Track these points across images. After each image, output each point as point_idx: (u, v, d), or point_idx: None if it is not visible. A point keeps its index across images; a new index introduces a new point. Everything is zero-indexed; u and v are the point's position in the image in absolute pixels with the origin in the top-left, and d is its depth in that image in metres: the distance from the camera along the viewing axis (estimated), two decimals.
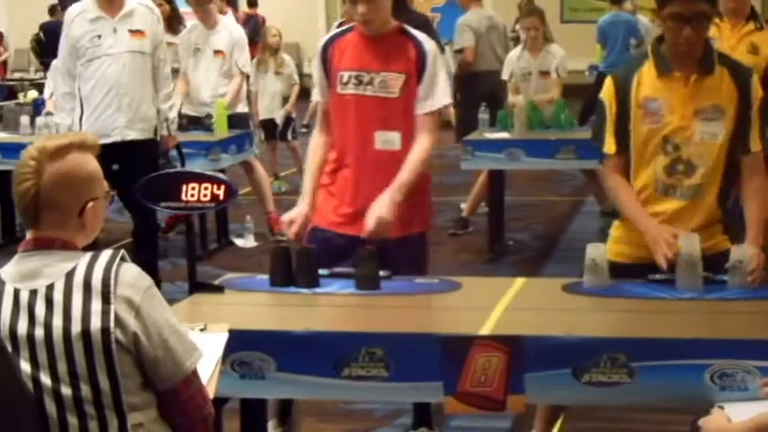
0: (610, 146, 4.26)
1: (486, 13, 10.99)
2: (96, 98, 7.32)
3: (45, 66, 19.25)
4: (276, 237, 8.65)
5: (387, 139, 4.68)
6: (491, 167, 8.99)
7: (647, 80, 4.19)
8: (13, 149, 9.22)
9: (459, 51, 10.97)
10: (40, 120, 9.75)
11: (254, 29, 17.61)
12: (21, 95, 16.86)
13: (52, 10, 21.49)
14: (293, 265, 4.18)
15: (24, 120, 9.88)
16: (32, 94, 15.83)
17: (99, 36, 7.29)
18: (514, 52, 9.86)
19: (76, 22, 7.35)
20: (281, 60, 11.68)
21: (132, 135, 7.38)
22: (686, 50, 4.11)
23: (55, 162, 2.84)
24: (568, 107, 9.47)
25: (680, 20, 4.05)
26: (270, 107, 11.68)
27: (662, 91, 4.16)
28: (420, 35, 4.75)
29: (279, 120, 11.68)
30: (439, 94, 4.70)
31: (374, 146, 4.69)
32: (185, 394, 2.92)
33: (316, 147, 4.84)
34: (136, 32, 7.35)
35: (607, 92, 4.27)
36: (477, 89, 10.57)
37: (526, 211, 10.66)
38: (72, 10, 7.50)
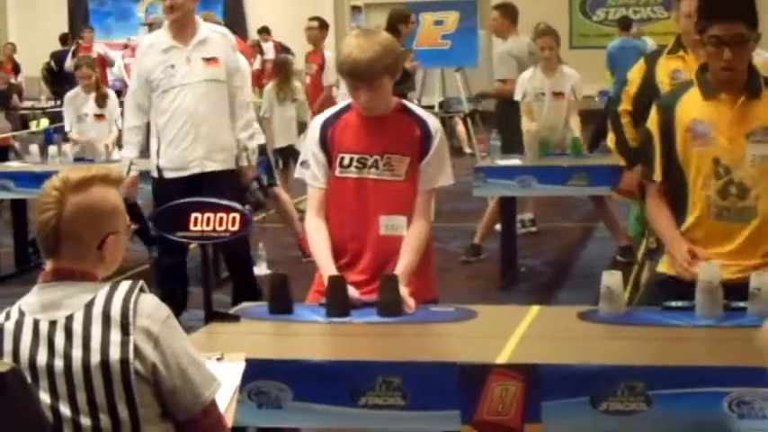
0: (657, 174, 4.29)
1: (525, 41, 10.88)
2: (173, 130, 7.17)
3: (56, 95, 19.35)
4: (309, 259, 8.72)
5: (392, 224, 4.44)
6: (503, 194, 8.99)
7: (692, 104, 4.21)
8: (25, 178, 9.27)
9: (503, 81, 10.77)
10: (52, 149, 9.80)
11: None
12: (33, 124, 16.93)
13: (63, 39, 21.60)
14: (326, 296, 4.15)
15: (34, 148, 9.92)
16: (44, 122, 15.91)
17: (172, 66, 7.12)
18: (527, 72, 9.79)
19: (149, 53, 7.19)
20: (296, 87, 11.68)
21: (212, 166, 7.20)
22: (728, 74, 4.13)
23: (78, 194, 2.86)
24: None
25: (719, 44, 4.08)
26: (287, 134, 11.68)
27: (709, 113, 4.18)
28: (422, 113, 4.54)
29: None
30: (446, 173, 4.50)
31: (378, 231, 4.45)
32: (204, 424, 2.92)
33: (318, 228, 4.49)
34: (210, 60, 7.18)
35: (652, 120, 4.30)
36: (519, 114, 10.41)
37: (538, 237, 10.65)
38: (143, 42, 7.42)
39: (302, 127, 11.49)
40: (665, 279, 4.28)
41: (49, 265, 2.93)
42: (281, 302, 4.22)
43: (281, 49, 19.29)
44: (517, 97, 9.72)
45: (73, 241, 2.87)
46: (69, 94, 10.30)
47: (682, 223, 4.27)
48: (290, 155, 11.71)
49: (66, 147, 9.78)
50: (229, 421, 3.18)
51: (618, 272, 4.14)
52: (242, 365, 3.52)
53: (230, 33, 7.56)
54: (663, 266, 4.34)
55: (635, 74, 6.15)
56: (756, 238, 4.19)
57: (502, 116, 10.50)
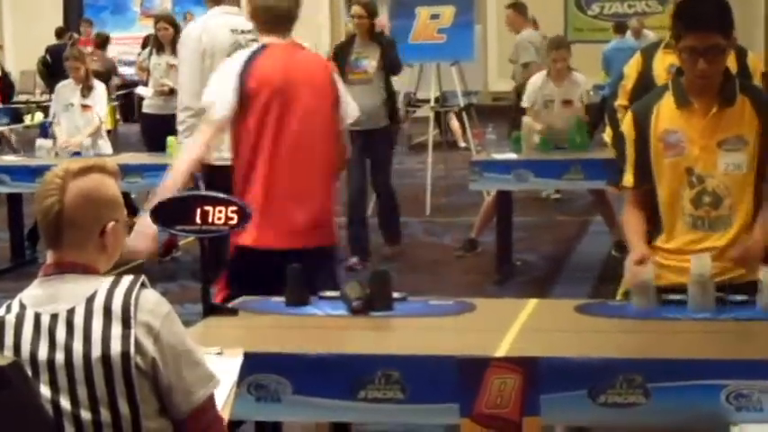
0: (628, 180, 4.27)
1: (539, 33, 12.30)
2: None
3: (51, 89, 19.32)
4: None
5: None
6: (499, 188, 9.00)
7: (666, 113, 4.19)
8: (21, 172, 9.28)
9: (526, 65, 12.30)
10: (46, 142, 9.80)
11: None
12: (27, 118, 16.91)
13: (59, 33, 21.56)
14: (370, 289, 4.16)
15: (42, 142, 9.91)
16: (39, 116, 15.89)
17: None
18: (537, 79, 9.79)
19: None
20: None
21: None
22: (702, 83, 4.11)
23: (78, 180, 2.89)
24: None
25: (694, 53, 4.05)
26: None
27: (681, 123, 4.16)
28: None
29: None
30: None
31: None
32: (200, 423, 2.92)
33: None
34: None
35: (627, 126, 4.28)
36: None
37: (534, 231, 10.67)
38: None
39: None
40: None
41: (50, 258, 2.94)
42: (298, 295, 4.23)
43: None
44: (525, 104, 9.73)
45: (75, 228, 2.88)
46: (60, 84, 10.31)
47: (657, 232, 4.25)
48: None
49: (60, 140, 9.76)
50: (225, 416, 3.19)
51: (651, 265, 4.09)
52: (239, 360, 3.53)
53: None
54: None
55: (631, 68, 6.14)
56: (731, 247, 4.16)
57: (518, 107, 10.62)
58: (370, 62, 9.29)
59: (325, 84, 5.00)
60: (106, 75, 15.94)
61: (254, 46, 5.12)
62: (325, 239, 4.96)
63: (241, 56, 5.00)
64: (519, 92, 11.14)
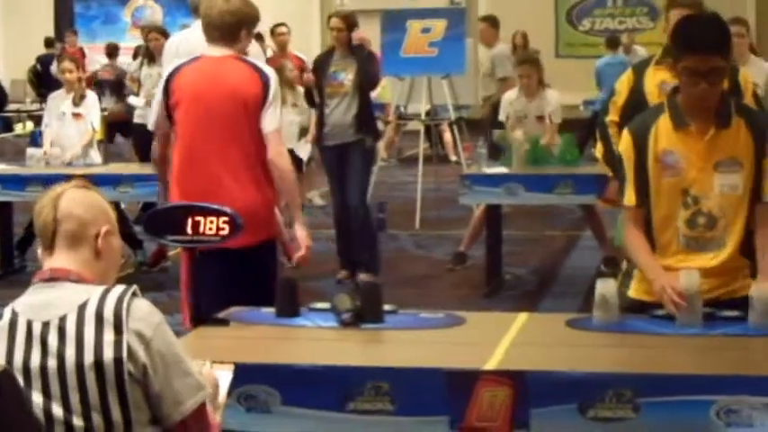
0: (630, 198, 4.26)
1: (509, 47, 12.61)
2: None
3: (42, 98, 19.31)
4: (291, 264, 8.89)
5: None
6: (489, 202, 9.00)
7: (663, 133, 4.18)
8: (12, 181, 9.25)
9: (503, 80, 12.46)
10: (37, 151, 9.76)
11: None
12: (18, 127, 16.90)
13: (48, 42, 21.56)
14: (360, 301, 4.17)
15: (32, 152, 9.87)
16: (29, 125, 15.88)
17: None
18: (511, 94, 9.85)
19: None
20: (298, 93, 11.46)
21: None
22: (701, 105, 4.11)
23: (74, 190, 3.00)
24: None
25: (694, 75, 4.04)
26: (287, 139, 11.55)
27: (678, 144, 4.15)
28: None
29: (302, 153, 11.32)
30: None
31: None
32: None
33: None
34: None
35: (625, 145, 4.27)
36: None
37: (523, 245, 10.68)
38: None
39: (303, 132, 11.32)
40: (635, 304, 4.23)
41: (45, 265, 2.96)
42: (289, 306, 4.23)
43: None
44: (502, 117, 9.79)
45: (69, 232, 2.94)
46: (51, 95, 10.29)
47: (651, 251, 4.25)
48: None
49: (54, 150, 9.72)
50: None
51: (612, 280, 4.14)
52: (230, 375, 3.52)
53: None
54: (632, 291, 4.29)
55: (623, 84, 6.15)
56: (725, 268, 4.16)
57: (493, 121, 10.64)
58: (347, 75, 9.06)
59: (247, 95, 5.23)
60: (117, 83, 15.94)
61: (184, 59, 5.50)
62: (251, 238, 4.97)
63: (168, 69, 5.50)
64: (495, 106, 11.28)
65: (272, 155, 5.26)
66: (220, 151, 5.24)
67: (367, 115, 9.21)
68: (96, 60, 22.53)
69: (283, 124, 12.23)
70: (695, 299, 3.97)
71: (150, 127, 5.51)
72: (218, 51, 5.32)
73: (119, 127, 14.66)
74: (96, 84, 15.76)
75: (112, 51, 18.44)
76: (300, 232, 5.27)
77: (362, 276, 8.79)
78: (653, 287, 4.09)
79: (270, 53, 17.52)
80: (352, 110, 9.06)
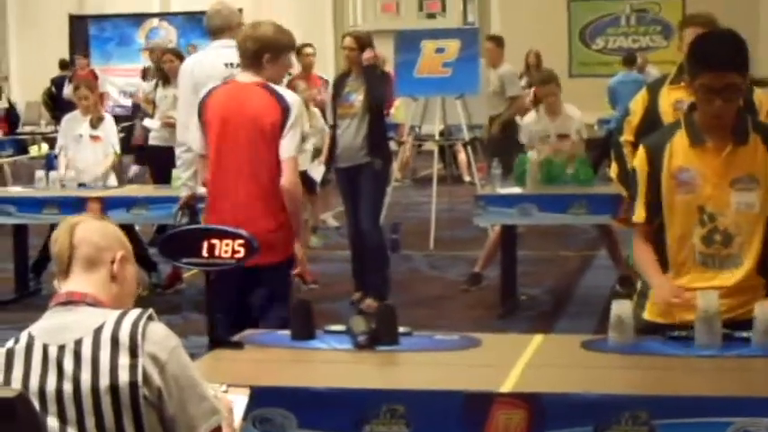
0: (639, 215, 4.25)
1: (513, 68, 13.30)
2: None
3: (56, 120, 19.38)
4: (309, 287, 8.92)
5: None
6: (503, 222, 9.00)
7: (679, 150, 4.17)
8: (27, 204, 9.27)
9: (514, 98, 12.77)
10: (53, 174, 9.78)
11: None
12: (32, 149, 16.93)
13: (63, 64, 21.63)
14: (375, 323, 4.16)
15: (39, 174, 9.89)
16: (45, 147, 15.91)
17: None
18: (531, 117, 9.84)
19: None
20: (312, 114, 11.30)
21: None
22: (717, 122, 4.11)
23: (90, 219, 3.07)
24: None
25: (710, 92, 4.04)
26: (301, 160, 11.43)
27: (695, 161, 4.14)
28: None
29: (316, 174, 10.98)
30: None
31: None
32: None
33: None
34: None
35: (640, 161, 4.26)
36: (518, 137, 10.64)
37: (538, 265, 10.66)
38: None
39: (317, 152, 11.19)
40: (649, 326, 4.22)
41: (62, 289, 2.99)
42: (304, 329, 4.23)
43: None
44: (523, 141, 9.78)
45: (86, 253, 2.98)
46: (66, 117, 10.28)
47: (665, 269, 4.23)
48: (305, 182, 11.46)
49: (70, 172, 9.73)
50: None
51: (627, 301, 4.13)
52: (245, 399, 3.52)
53: None
54: (647, 313, 4.28)
55: (637, 104, 6.14)
56: (741, 287, 4.15)
57: (502, 139, 10.65)
58: (357, 96, 8.92)
59: (266, 122, 5.49)
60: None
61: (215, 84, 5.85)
62: (267, 258, 5.11)
63: (203, 91, 5.82)
64: (506, 125, 11.38)
65: (284, 182, 5.49)
66: (245, 173, 5.54)
67: (378, 137, 9.03)
68: (109, 82, 22.67)
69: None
70: (714, 320, 3.95)
71: (198, 150, 5.83)
72: (246, 77, 5.57)
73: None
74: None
75: (144, 73, 18.44)
76: (299, 252, 5.63)
77: (368, 302, 8.72)
78: (655, 293, 4.12)
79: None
80: (362, 131, 8.90)
